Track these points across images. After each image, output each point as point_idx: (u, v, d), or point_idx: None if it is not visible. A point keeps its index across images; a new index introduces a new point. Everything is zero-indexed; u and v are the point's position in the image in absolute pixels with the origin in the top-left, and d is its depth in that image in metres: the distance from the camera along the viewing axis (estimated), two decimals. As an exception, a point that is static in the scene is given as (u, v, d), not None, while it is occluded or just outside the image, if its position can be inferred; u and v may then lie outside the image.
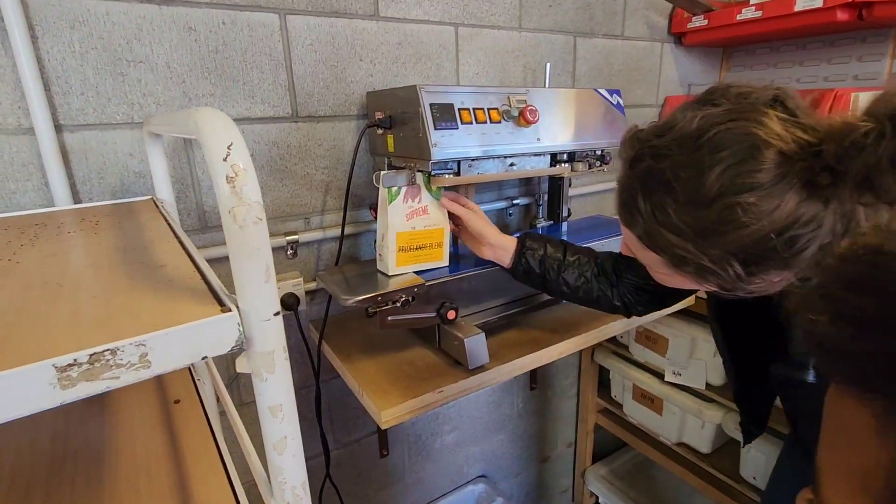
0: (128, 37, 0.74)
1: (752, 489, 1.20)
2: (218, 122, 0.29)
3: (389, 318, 0.79)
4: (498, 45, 1.11)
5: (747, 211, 0.41)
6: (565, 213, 1.21)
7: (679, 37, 1.45)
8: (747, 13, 1.25)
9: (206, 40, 0.80)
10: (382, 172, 0.80)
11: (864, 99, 1.11)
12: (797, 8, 1.15)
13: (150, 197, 0.76)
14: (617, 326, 0.98)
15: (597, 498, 1.71)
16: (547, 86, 1.09)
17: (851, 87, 1.21)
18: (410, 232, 0.83)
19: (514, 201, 1.21)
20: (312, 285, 0.98)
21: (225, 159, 0.28)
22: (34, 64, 0.68)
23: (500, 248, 0.81)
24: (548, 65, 1.08)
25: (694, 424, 1.30)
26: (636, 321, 0.97)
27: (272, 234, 0.94)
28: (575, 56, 1.24)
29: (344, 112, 0.95)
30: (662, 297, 0.77)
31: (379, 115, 0.89)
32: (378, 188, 0.83)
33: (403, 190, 0.82)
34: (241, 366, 0.31)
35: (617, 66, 1.33)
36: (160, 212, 0.66)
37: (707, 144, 0.42)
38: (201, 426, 0.58)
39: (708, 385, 1.25)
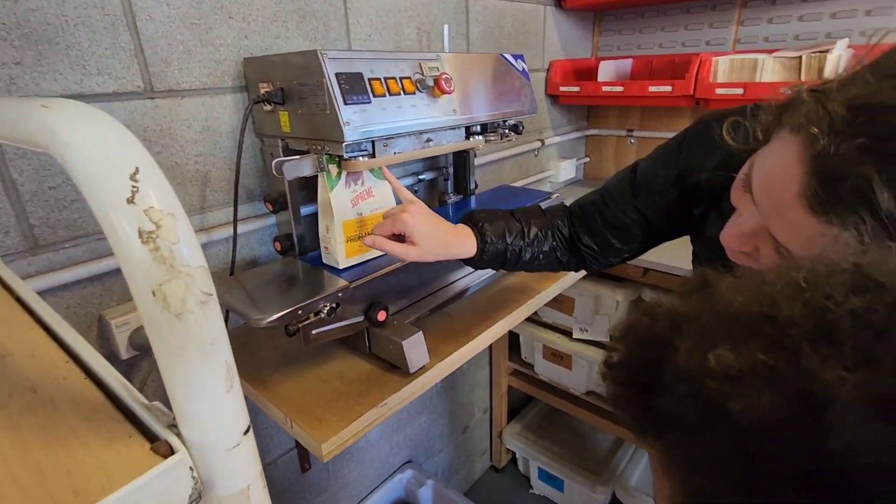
0: None
1: (653, 422, 1.34)
2: (100, 128, 0.17)
3: (314, 331, 0.68)
4: (390, 3, 0.98)
5: None
6: (473, 186, 1.17)
7: (559, 0, 1.46)
8: (623, -22, 1.28)
9: (-4, -17, 0.56)
10: (283, 161, 0.66)
11: (722, 62, 1.22)
12: (667, -26, 1.20)
13: (-63, 216, 0.52)
14: (543, 297, 0.97)
15: (513, 454, 1.80)
16: (446, 50, 1.01)
17: (711, 53, 1.32)
18: (357, 219, 0.75)
19: (420, 177, 1.13)
20: (200, 300, 0.80)
21: (132, 200, 0.16)
22: None
23: (461, 242, 0.68)
24: (446, 27, 0.99)
25: (601, 374, 1.39)
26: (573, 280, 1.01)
27: (138, 245, 0.74)
28: (468, 17, 1.17)
29: (216, 84, 0.76)
30: (613, 264, 0.78)
31: (266, 88, 0.73)
32: (277, 178, 0.69)
33: (344, 173, 0.71)
34: (198, 520, 0.19)
35: (507, 28, 1.29)
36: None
37: None
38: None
39: (612, 337, 1.34)
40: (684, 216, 0.68)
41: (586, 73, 1.60)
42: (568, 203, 0.79)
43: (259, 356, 0.79)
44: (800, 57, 1.12)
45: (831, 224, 0.38)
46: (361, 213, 0.76)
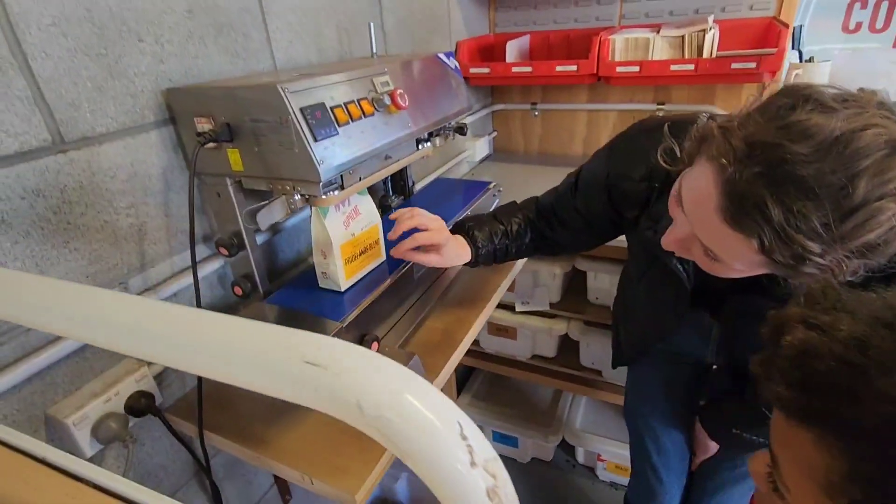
0: None
1: (592, 371, 1.50)
2: (405, 384, 0.16)
3: (317, 383, 0.64)
4: (306, 4, 0.90)
5: (885, 213, 0.43)
6: (411, 184, 1.16)
7: (458, -21, 1.44)
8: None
9: None
10: (254, 210, 0.60)
11: (619, 42, 1.33)
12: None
13: None
14: (502, 289, 1.02)
15: (466, 422, 1.89)
16: (374, 50, 0.96)
17: (600, 27, 1.42)
18: (352, 240, 0.75)
19: (359, 183, 1.08)
20: (158, 368, 0.71)
21: (474, 463, 0.15)
22: None
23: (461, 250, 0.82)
24: (371, 24, 0.93)
25: (543, 338, 1.51)
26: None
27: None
28: (381, 8, 1.11)
29: (136, 122, 0.65)
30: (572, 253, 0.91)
31: (206, 125, 0.64)
32: (226, 219, 0.63)
33: None
34: None
35: (417, 14, 1.25)
36: None
37: (854, 152, 0.43)
38: None
39: (551, 304, 1.45)
40: (618, 218, 0.77)
41: (489, 50, 1.63)
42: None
43: (240, 412, 0.74)
44: (682, 36, 1.26)
45: (741, 232, 0.48)
46: (354, 233, 0.76)
